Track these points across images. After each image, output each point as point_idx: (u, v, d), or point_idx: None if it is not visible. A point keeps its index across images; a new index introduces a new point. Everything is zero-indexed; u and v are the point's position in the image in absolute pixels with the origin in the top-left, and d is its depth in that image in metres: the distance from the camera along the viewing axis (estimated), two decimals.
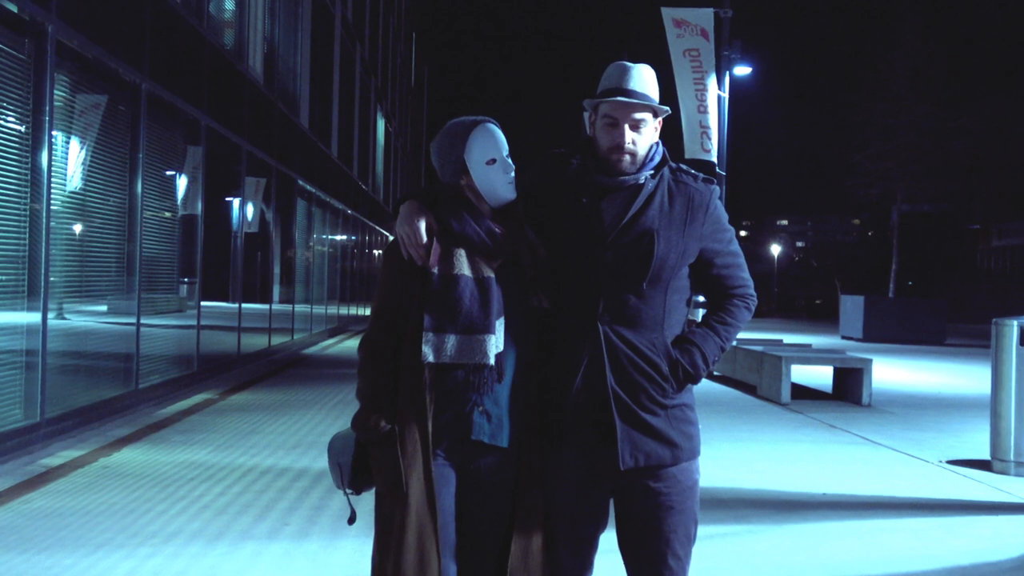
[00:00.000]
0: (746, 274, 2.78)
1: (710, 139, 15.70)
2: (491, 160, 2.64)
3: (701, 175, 2.73)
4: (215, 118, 11.85)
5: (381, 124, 34.62)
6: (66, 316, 8.48)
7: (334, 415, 9.23)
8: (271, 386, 11.94)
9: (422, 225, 2.62)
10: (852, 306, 27.18)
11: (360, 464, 2.64)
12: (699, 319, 2.83)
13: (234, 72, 13.42)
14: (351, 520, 2.73)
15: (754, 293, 2.79)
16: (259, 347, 15.03)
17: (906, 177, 35.42)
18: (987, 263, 66.71)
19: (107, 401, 8.54)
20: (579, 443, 2.64)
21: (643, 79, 2.64)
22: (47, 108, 7.11)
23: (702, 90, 15.86)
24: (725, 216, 2.76)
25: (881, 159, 35.39)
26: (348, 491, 2.68)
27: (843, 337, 26.40)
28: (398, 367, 2.61)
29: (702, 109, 15.93)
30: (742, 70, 18.57)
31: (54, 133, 7.32)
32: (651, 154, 2.69)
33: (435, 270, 2.58)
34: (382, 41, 33.76)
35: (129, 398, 9.03)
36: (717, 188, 2.74)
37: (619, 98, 2.60)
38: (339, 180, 23.08)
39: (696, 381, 2.68)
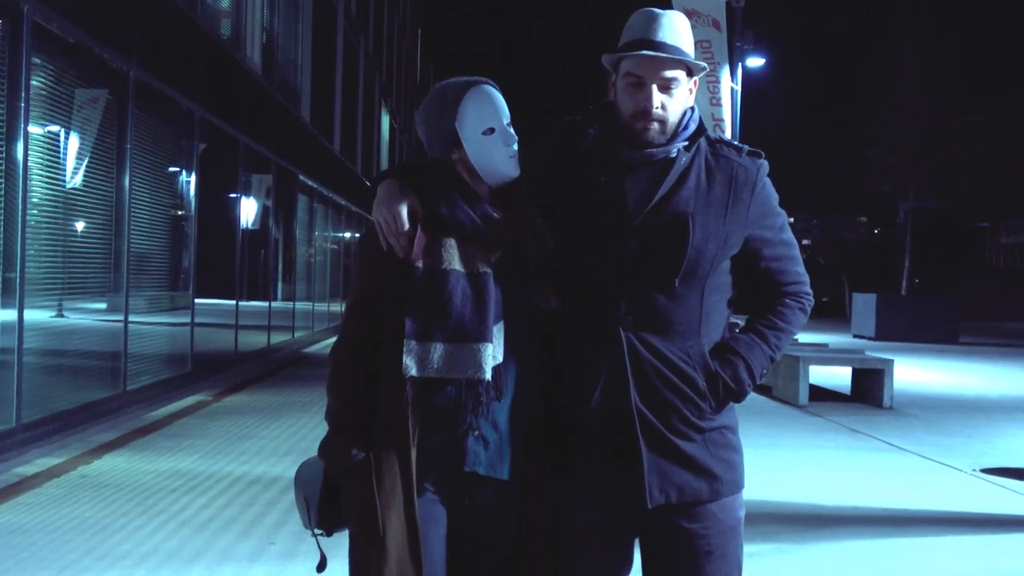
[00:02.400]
0: (801, 268, 2.28)
1: (723, 132, 15.24)
2: (489, 129, 2.16)
3: (746, 147, 2.23)
4: (210, 110, 11.41)
5: (386, 120, 34.16)
6: (64, 314, 8.13)
7: None
8: (269, 387, 11.54)
9: (404, 209, 2.14)
10: (864, 304, 26.68)
11: (330, 499, 2.17)
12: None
13: (231, 62, 12.99)
14: (320, 567, 2.27)
15: (810, 291, 2.29)
16: (258, 346, 14.61)
17: (917, 173, 34.90)
18: (996, 261, 66.12)
19: (92, 404, 8.12)
20: (596, 475, 2.16)
21: (675, 29, 2.15)
22: (22, 95, 6.68)
23: (714, 82, 15.38)
24: (775, 197, 2.26)
25: (894, 154, 34.85)
26: (317, 532, 2.22)
27: (855, 336, 25.89)
28: (375, 382, 2.14)
29: (715, 102, 15.46)
30: (755, 61, 18.08)
31: (31, 122, 6.89)
32: (685, 121, 2.20)
33: (419, 264, 2.10)
34: (386, 36, 33.30)
35: (116, 401, 8.61)
36: (766, 163, 2.25)
37: (645, 52, 2.12)
38: (342, 176, 22.64)
39: (740, 399, 2.19)
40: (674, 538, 2.14)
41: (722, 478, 2.15)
